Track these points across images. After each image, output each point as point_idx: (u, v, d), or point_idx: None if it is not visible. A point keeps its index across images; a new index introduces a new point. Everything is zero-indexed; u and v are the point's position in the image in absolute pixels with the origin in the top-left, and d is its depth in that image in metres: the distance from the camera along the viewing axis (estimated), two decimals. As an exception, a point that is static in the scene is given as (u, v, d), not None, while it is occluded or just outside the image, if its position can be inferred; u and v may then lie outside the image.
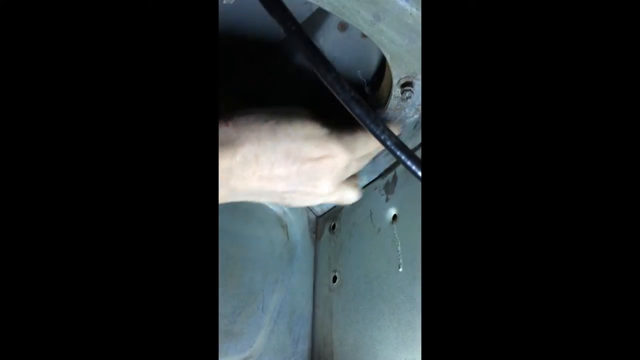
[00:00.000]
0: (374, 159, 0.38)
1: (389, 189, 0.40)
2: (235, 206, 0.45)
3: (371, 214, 0.41)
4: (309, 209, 0.51)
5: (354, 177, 0.34)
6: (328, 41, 0.41)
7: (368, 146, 0.31)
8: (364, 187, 0.46)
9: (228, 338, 0.37)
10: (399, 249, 0.35)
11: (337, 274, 0.43)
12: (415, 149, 0.37)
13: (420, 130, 0.37)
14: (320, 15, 0.41)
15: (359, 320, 0.37)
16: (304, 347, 0.42)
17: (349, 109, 0.20)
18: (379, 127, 0.20)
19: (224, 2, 0.24)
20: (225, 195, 0.27)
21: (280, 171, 0.27)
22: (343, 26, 0.40)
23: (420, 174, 0.21)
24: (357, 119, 0.20)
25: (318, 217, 0.52)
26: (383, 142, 0.20)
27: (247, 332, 0.39)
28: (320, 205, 0.51)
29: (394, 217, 0.38)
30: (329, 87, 0.19)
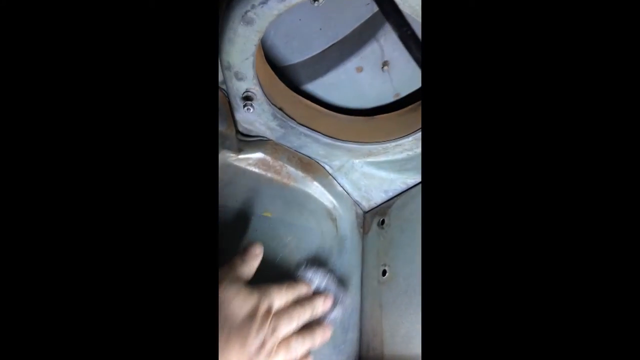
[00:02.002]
0: None
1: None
2: (290, 198, 0.47)
3: (424, 210, 0.42)
4: (357, 204, 0.53)
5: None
6: (389, 40, 0.42)
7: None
8: (416, 185, 0.47)
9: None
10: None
11: (386, 268, 0.44)
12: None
13: None
14: (382, 16, 0.43)
15: (411, 313, 0.38)
16: (353, 335, 0.44)
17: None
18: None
19: (315, 4, 0.26)
20: None
21: None
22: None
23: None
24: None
25: (365, 212, 0.53)
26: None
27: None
28: (368, 200, 0.52)
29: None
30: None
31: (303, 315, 0.35)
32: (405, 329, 0.39)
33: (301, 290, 0.37)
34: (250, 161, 0.45)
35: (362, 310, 0.45)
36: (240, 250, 0.36)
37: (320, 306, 0.37)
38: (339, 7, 0.41)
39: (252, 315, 0.32)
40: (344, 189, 0.51)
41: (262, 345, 0.32)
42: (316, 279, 0.40)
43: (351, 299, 0.46)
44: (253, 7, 0.28)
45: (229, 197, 0.43)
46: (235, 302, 0.32)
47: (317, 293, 0.39)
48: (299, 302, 0.36)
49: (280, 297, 0.35)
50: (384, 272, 0.44)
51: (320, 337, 0.37)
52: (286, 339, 0.34)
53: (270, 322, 0.33)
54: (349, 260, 0.48)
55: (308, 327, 0.36)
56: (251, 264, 0.36)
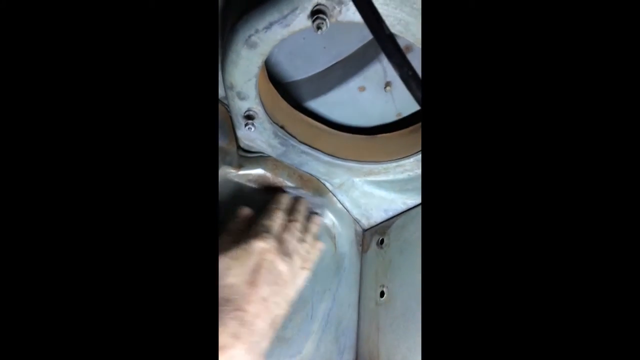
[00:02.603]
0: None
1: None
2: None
3: (424, 233, 0.42)
4: (356, 221, 0.52)
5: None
6: (392, 62, 0.42)
7: None
8: (417, 206, 0.46)
9: (280, 343, 0.38)
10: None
11: (384, 289, 0.44)
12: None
13: None
14: (386, 36, 0.43)
15: (409, 338, 0.38)
16: (349, 358, 0.43)
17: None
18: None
19: (318, 32, 0.26)
20: None
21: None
22: (408, 48, 0.41)
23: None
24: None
25: (365, 230, 0.53)
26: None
27: (297, 338, 0.40)
28: (367, 219, 0.52)
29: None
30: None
31: (300, 224, 0.40)
32: (402, 354, 0.38)
33: (285, 202, 0.42)
34: (250, 177, 0.45)
35: (359, 332, 0.45)
36: (229, 216, 0.39)
37: (303, 206, 0.43)
38: (343, 27, 0.41)
39: (259, 264, 0.34)
40: (343, 206, 0.51)
41: (279, 276, 0.35)
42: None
43: (348, 319, 0.45)
44: (257, 31, 0.28)
45: (228, 213, 0.43)
46: (234, 269, 0.33)
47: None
48: (290, 213, 0.41)
49: (276, 221, 0.38)
50: (382, 294, 0.44)
51: (315, 226, 0.43)
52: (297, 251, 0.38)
53: (282, 251, 0.36)
54: (346, 279, 0.47)
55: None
56: (242, 225, 0.38)
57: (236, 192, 0.44)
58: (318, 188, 0.49)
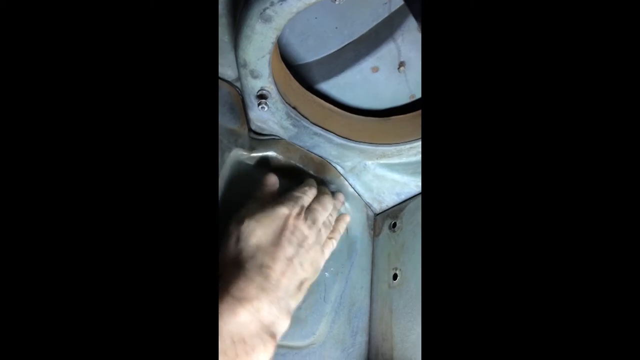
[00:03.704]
0: None
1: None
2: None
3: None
4: (368, 205, 0.52)
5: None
6: (406, 40, 0.41)
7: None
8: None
9: (294, 323, 0.38)
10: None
11: (397, 272, 0.44)
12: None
13: None
14: (400, 16, 0.42)
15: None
16: (361, 339, 0.43)
17: None
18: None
19: (336, 2, 0.25)
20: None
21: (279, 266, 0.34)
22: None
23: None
24: None
25: (376, 214, 0.52)
26: None
27: (311, 320, 0.40)
28: (379, 203, 0.51)
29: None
30: None
31: (329, 199, 0.40)
32: (416, 335, 0.38)
33: (313, 182, 0.42)
34: (262, 160, 0.45)
35: (371, 314, 0.45)
36: (257, 185, 0.40)
37: (328, 190, 0.43)
38: (356, 6, 0.41)
39: (282, 227, 0.35)
40: (355, 190, 0.50)
41: (303, 240, 0.36)
42: None
43: (361, 301, 0.45)
44: (272, 4, 0.28)
45: (240, 195, 0.43)
46: (259, 230, 0.34)
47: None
48: (320, 191, 0.41)
49: (307, 195, 0.39)
50: (395, 276, 0.44)
51: (339, 202, 0.44)
52: (324, 223, 0.39)
53: (307, 217, 0.37)
54: (358, 262, 0.47)
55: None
56: (268, 193, 0.40)
57: (248, 175, 0.44)
58: (330, 172, 0.49)
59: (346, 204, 0.49)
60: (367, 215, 0.52)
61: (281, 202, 0.37)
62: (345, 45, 0.44)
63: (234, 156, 0.43)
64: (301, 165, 0.47)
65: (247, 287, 0.31)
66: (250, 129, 0.45)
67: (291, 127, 0.42)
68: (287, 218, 0.36)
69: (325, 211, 0.39)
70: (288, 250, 0.34)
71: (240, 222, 0.35)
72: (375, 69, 0.44)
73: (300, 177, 0.45)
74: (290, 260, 0.34)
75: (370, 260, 0.48)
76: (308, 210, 0.38)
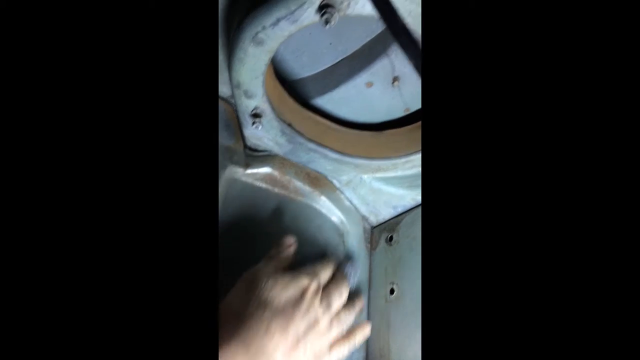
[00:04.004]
0: None
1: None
2: (297, 212, 0.47)
3: (434, 229, 0.41)
4: (364, 219, 0.52)
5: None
6: (400, 56, 0.41)
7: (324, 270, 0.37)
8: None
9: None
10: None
11: (394, 287, 0.44)
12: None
13: None
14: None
15: (420, 337, 0.38)
16: (358, 355, 0.43)
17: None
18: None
19: (327, 27, 0.25)
20: None
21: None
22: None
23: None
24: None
25: (373, 227, 0.52)
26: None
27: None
28: (376, 215, 0.51)
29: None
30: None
31: (347, 288, 0.37)
32: (413, 352, 0.38)
33: (333, 263, 0.40)
34: (258, 176, 0.45)
35: (369, 329, 0.45)
36: (273, 244, 0.38)
37: (350, 278, 0.40)
38: (350, 23, 0.41)
39: (299, 298, 0.32)
40: (351, 203, 0.50)
41: (315, 323, 0.32)
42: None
43: (358, 317, 0.45)
44: (264, 28, 0.28)
45: (236, 213, 0.43)
46: (276, 290, 0.31)
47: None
48: (339, 274, 0.38)
49: (326, 272, 0.37)
50: (392, 291, 0.44)
51: (359, 304, 0.39)
52: (337, 313, 0.35)
53: (322, 298, 0.34)
54: (356, 277, 0.47)
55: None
56: (287, 253, 0.38)
57: (244, 192, 0.44)
58: (326, 186, 0.49)
59: (343, 218, 0.49)
60: (364, 228, 0.52)
61: (302, 272, 0.34)
62: (340, 61, 0.44)
63: (229, 174, 0.43)
64: (297, 181, 0.47)
65: (237, 354, 0.27)
66: (245, 146, 0.45)
67: (286, 143, 0.42)
68: (305, 290, 0.33)
69: (341, 298, 0.36)
70: (300, 326, 0.31)
71: (257, 275, 0.33)
72: (369, 84, 0.44)
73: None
74: (298, 341, 0.30)
75: (367, 274, 0.48)
76: (324, 293, 0.35)
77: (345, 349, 0.36)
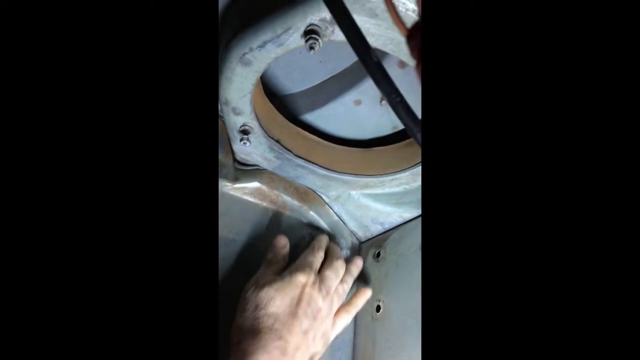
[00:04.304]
0: None
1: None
2: (286, 227, 0.47)
3: (421, 246, 0.41)
4: (353, 234, 0.52)
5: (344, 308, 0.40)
6: (388, 76, 0.42)
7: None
8: (413, 219, 0.46)
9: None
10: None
11: (380, 304, 0.44)
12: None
13: None
14: (382, 51, 0.43)
15: (404, 354, 0.38)
16: (344, 373, 0.43)
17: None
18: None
19: (311, 52, 0.26)
20: None
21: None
22: (402, 64, 0.41)
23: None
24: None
25: (361, 242, 0.52)
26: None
27: (293, 354, 0.40)
28: (364, 231, 0.51)
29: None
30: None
31: (339, 265, 0.40)
32: (398, 371, 0.38)
33: (324, 243, 0.42)
34: (246, 190, 0.45)
35: (354, 346, 0.45)
36: (269, 248, 0.40)
37: (338, 249, 0.43)
38: (339, 43, 0.42)
39: (299, 297, 0.35)
40: (340, 218, 0.51)
41: (317, 312, 0.36)
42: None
43: (344, 334, 0.45)
44: (251, 49, 0.28)
45: (224, 227, 0.43)
46: (278, 300, 0.35)
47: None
48: (330, 254, 0.41)
49: (317, 259, 0.39)
50: (378, 308, 0.44)
51: (355, 268, 0.42)
52: (335, 290, 0.39)
53: (320, 287, 0.37)
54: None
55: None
56: (281, 255, 0.40)
57: (232, 206, 0.44)
58: (314, 200, 0.49)
59: (331, 233, 0.50)
60: (352, 243, 0.52)
61: (297, 270, 0.37)
62: (329, 78, 0.44)
63: (219, 187, 0.43)
64: (285, 195, 0.47)
65: None
66: (234, 160, 0.45)
67: (274, 159, 0.43)
68: (303, 287, 0.36)
69: (337, 278, 0.39)
70: (304, 322, 0.35)
71: (259, 288, 0.35)
72: (358, 102, 0.44)
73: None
74: (305, 333, 0.34)
75: (354, 291, 0.48)
76: (321, 278, 0.38)
77: (348, 317, 0.40)
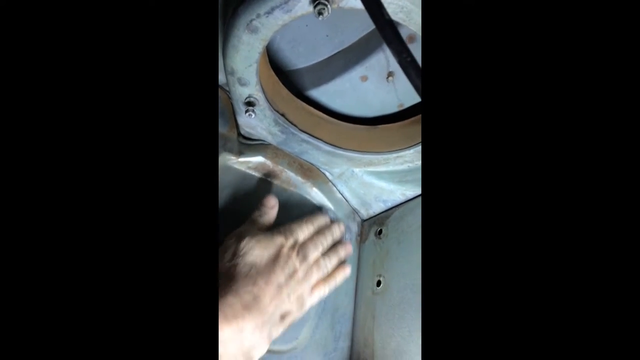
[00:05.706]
0: None
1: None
2: (289, 203, 0.47)
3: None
4: (355, 211, 0.53)
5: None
6: (395, 52, 0.42)
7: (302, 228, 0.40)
8: (415, 197, 0.47)
9: (276, 328, 0.39)
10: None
11: (381, 279, 0.44)
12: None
13: None
14: (390, 25, 0.42)
15: (403, 327, 0.38)
16: (344, 344, 0.44)
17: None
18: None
19: (320, 18, 0.26)
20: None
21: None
22: (411, 38, 0.40)
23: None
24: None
25: (364, 220, 0.53)
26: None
27: (294, 324, 0.41)
28: (366, 209, 0.52)
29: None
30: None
31: (325, 240, 0.41)
32: (397, 343, 0.39)
33: (319, 221, 0.42)
34: (250, 164, 0.45)
35: (355, 320, 0.45)
36: (257, 206, 0.41)
37: (338, 230, 0.43)
38: (347, 16, 0.41)
39: (277, 254, 0.36)
40: (343, 196, 0.51)
41: (294, 272, 0.36)
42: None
43: (345, 307, 0.46)
44: (258, 16, 0.28)
45: (228, 200, 0.43)
46: (257, 250, 0.35)
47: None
48: (319, 231, 0.41)
49: (302, 231, 0.40)
50: (379, 283, 0.44)
51: (343, 251, 0.42)
52: (316, 261, 0.39)
53: (299, 252, 0.38)
54: (344, 268, 0.48)
55: (331, 247, 0.42)
56: (268, 215, 0.40)
57: (236, 179, 0.44)
58: (318, 177, 0.49)
59: (334, 210, 0.50)
60: (355, 220, 0.52)
61: (278, 232, 0.38)
62: (336, 53, 0.44)
63: (222, 160, 0.43)
64: (289, 171, 0.47)
65: (235, 303, 0.31)
66: (239, 134, 0.45)
67: (279, 133, 0.43)
68: (281, 247, 0.37)
69: (316, 250, 0.39)
70: (280, 276, 0.35)
71: (240, 238, 0.36)
72: (364, 78, 0.44)
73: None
74: (280, 288, 0.35)
75: (356, 266, 0.49)
76: (300, 246, 0.39)
77: (326, 289, 0.40)
